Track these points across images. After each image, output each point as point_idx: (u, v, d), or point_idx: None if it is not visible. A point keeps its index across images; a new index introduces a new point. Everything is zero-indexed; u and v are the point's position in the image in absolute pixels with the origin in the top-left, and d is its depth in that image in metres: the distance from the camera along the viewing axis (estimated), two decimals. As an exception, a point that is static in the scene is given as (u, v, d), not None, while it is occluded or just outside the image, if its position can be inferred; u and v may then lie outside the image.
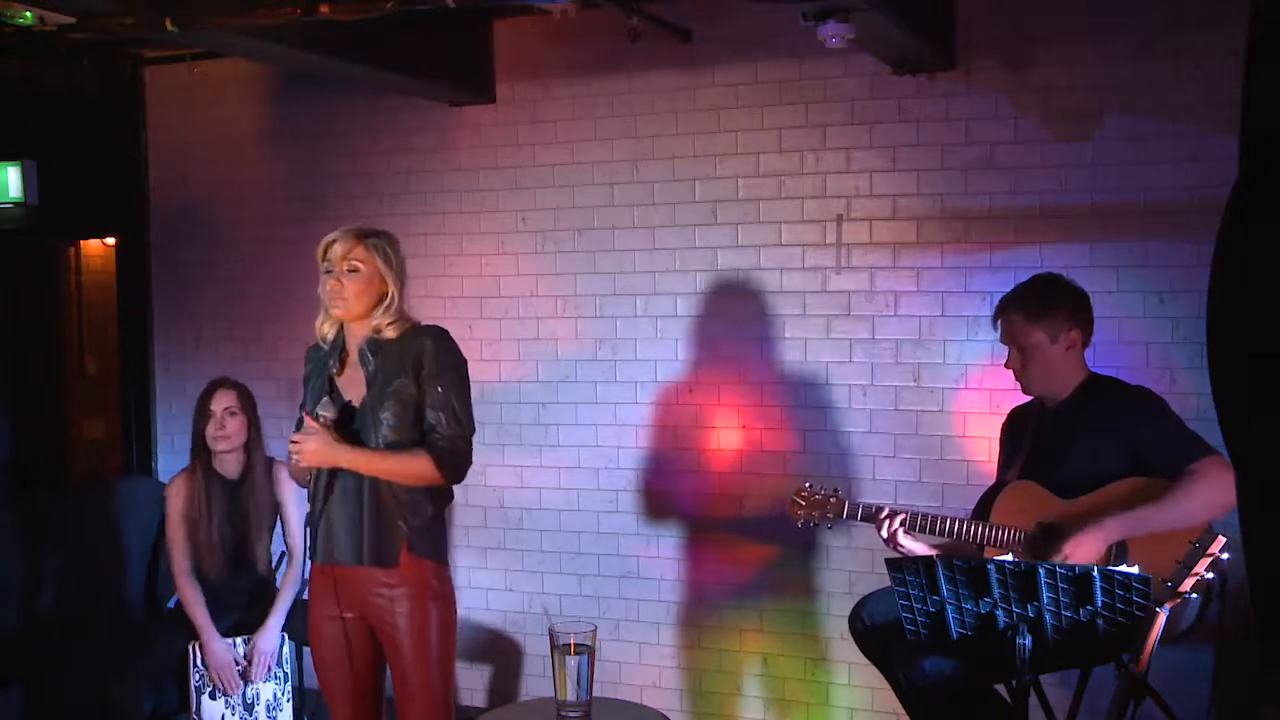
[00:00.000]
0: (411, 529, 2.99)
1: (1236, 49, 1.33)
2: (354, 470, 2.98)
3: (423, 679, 3.02)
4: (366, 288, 2.98)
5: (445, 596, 3.07)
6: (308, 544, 3.12)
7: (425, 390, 2.98)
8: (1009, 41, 3.98)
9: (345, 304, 2.99)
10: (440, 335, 3.05)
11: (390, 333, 3.00)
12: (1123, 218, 3.88)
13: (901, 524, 3.37)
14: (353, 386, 3.05)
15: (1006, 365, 3.44)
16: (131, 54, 5.12)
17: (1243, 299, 1.26)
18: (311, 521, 3.09)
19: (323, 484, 3.05)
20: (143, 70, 5.26)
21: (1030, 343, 3.35)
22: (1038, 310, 3.35)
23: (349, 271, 2.97)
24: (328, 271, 3.00)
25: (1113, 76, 3.87)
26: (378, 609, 3.02)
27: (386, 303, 2.99)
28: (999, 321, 3.43)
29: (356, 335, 3.05)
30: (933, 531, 3.36)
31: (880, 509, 3.43)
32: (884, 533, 3.39)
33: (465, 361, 3.09)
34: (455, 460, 3.01)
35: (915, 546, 3.38)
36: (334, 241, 3.00)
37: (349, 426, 3.01)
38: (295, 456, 2.98)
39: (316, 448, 2.94)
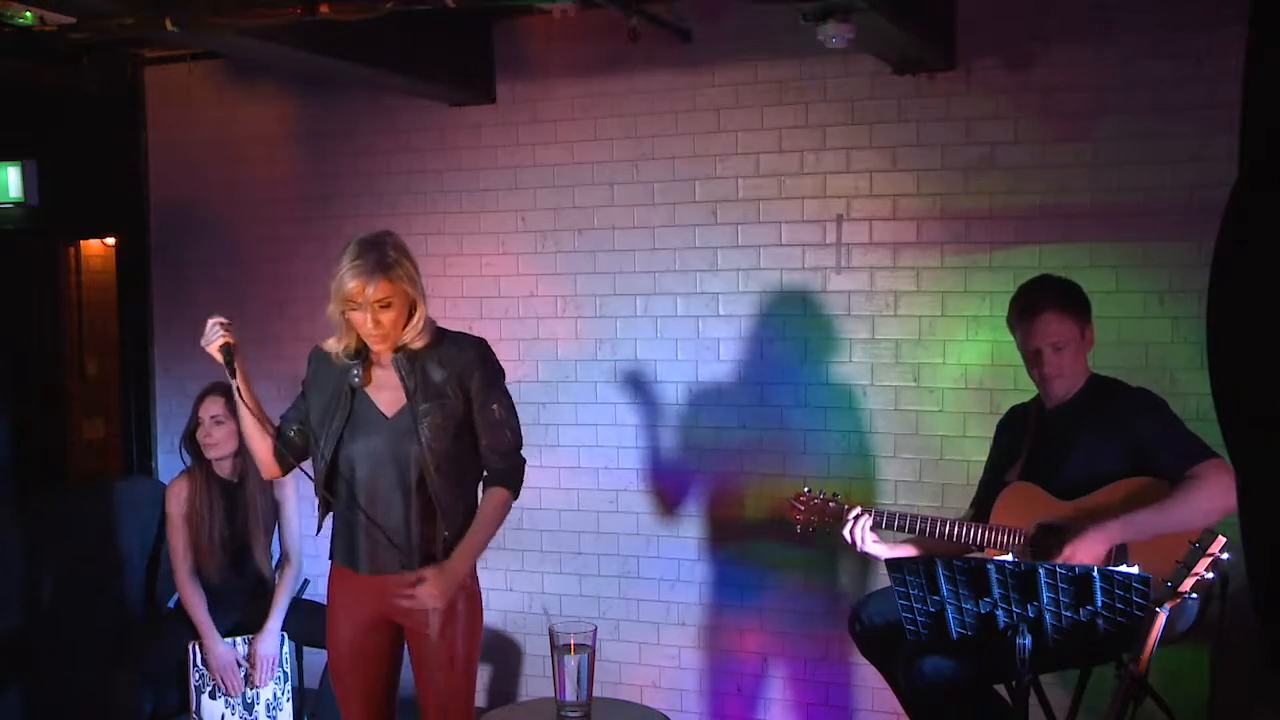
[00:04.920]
0: (454, 536, 2.98)
1: (1236, 49, 1.33)
2: (474, 558, 3.02)
3: (448, 677, 3.01)
4: (400, 314, 2.91)
5: (474, 594, 3.08)
6: (333, 548, 3.10)
7: (479, 409, 2.98)
8: (1009, 41, 3.98)
9: (386, 338, 2.92)
10: (484, 349, 3.05)
11: (420, 342, 2.97)
12: (1123, 218, 3.88)
13: (866, 526, 3.37)
14: (384, 393, 3.00)
15: (1045, 370, 3.32)
16: (131, 54, 5.12)
17: (1244, 299, 1.26)
18: (342, 526, 3.05)
19: (346, 487, 3.00)
20: (143, 70, 5.26)
21: (1067, 340, 3.30)
22: (1073, 305, 3.33)
23: (383, 309, 2.87)
24: (353, 310, 2.89)
25: (1113, 76, 3.87)
26: (407, 609, 2.98)
27: (416, 319, 2.93)
28: (1034, 322, 3.31)
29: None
30: (932, 535, 3.35)
31: (868, 512, 3.43)
32: (847, 534, 3.39)
33: (503, 369, 3.12)
34: (519, 476, 3.09)
35: (878, 550, 3.38)
36: (362, 289, 2.83)
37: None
38: (421, 603, 2.92)
39: (439, 586, 2.91)
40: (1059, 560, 3.09)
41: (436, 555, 2.98)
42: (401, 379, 2.97)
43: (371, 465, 2.97)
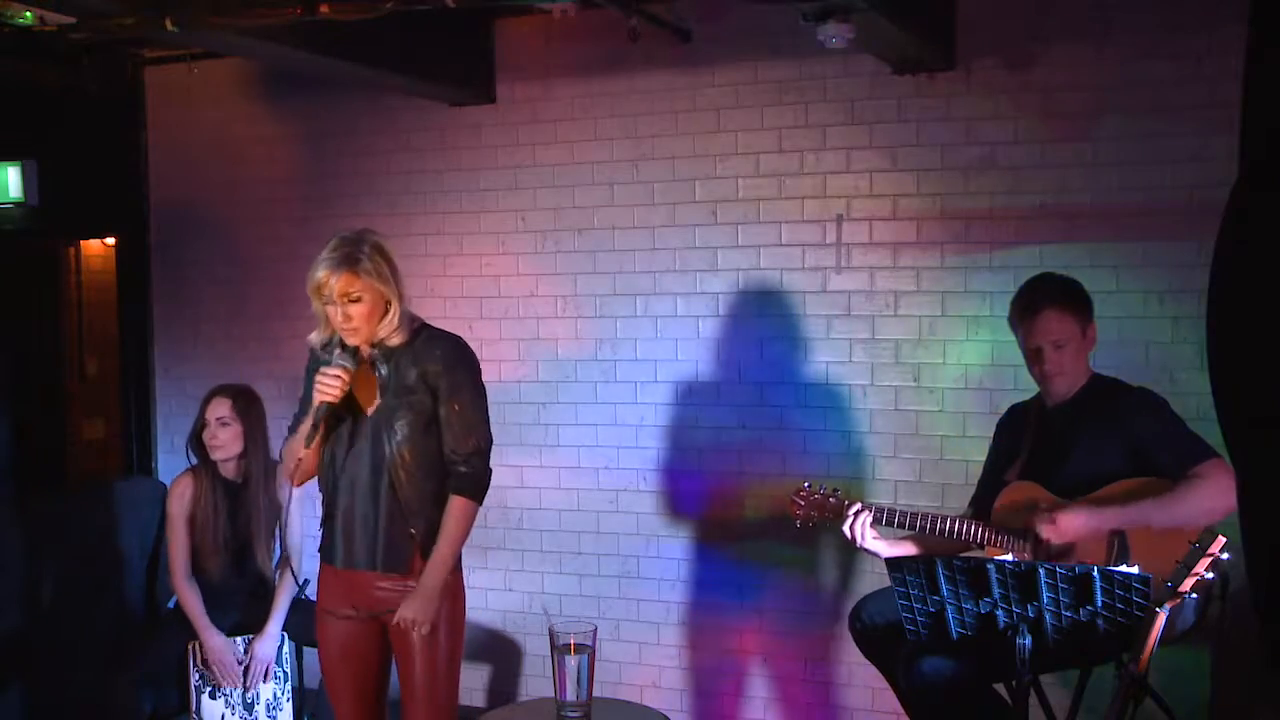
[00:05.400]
0: (420, 533, 2.99)
1: (1236, 49, 1.33)
2: (445, 572, 2.98)
3: (429, 676, 3.02)
4: (373, 310, 2.94)
5: (456, 593, 3.08)
6: (319, 543, 3.13)
7: (442, 405, 2.98)
8: (1009, 41, 3.98)
9: (357, 332, 2.95)
10: (454, 347, 3.04)
11: (397, 339, 2.99)
12: (1123, 218, 3.88)
13: (866, 522, 3.36)
14: (364, 389, 3.03)
15: (1046, 368, 3.31)
16: (131, 54, 5.12)
17: (1244, 298, 1.26)
18: (325, 520, 3.08)
19: (331, 483, 3.05)
20: (143, 70, 5.26)
21: (1068, 338, 3.29)
22: (1074, 303, 3.32)
23: (352, 302, 2.91)
24: (328, 303, 2.94)
25: (1113, 76, 3.87)
26: (389, 605, 3.02)
27: (389, 316, 2.96)
28: (1035, 319, 3.30)
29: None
30: (932, 532, 3.35)
31: (868, 508, 3.43)
32: (847, 530, 3.38)
33: (479, 370, 3.09)
34: (480, 483, 3.04)
35: (878, 547, 3.38)
36: (327, 280, 2.90)
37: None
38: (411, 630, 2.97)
39: (418, 613, 2.92)
40: (1042, 527, 3.10)
41: (406, 553, 3.00)
42: (378, 376, 3.00)
43: (351, 461, 3.01)
